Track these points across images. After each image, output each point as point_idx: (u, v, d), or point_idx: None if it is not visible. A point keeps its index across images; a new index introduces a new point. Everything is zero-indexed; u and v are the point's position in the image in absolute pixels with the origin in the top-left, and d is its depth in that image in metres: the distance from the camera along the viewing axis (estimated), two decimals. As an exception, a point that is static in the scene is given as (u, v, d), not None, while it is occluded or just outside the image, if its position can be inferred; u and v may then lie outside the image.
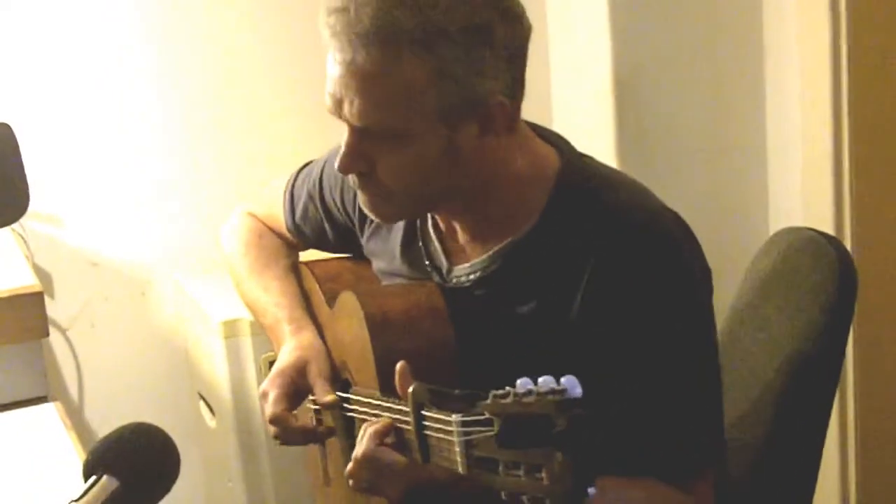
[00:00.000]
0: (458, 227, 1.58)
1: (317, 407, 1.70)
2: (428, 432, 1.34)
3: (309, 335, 1.72)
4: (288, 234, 1.85)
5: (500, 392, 1.15)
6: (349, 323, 1.60)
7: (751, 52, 2.54)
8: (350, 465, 1.47)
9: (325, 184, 1.76)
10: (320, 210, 1.78)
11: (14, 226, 2.53)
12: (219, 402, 2.64)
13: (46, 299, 2.23)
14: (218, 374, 2.58)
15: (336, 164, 1.50)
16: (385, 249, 1.68)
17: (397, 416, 1.43)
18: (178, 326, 2.89)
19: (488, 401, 1.16)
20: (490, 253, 1.54)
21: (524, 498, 1.13)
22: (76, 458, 1.73)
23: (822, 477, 1.75)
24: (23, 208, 2.35)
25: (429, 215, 1.61)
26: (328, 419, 1.70)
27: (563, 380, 1.11)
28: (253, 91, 2.89)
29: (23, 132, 2.37)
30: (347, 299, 1.62)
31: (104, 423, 2.78)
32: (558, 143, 1.57)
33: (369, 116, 1.43)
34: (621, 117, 2.53)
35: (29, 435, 1.90)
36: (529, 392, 1.12)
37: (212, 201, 2.85)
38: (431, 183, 1.48)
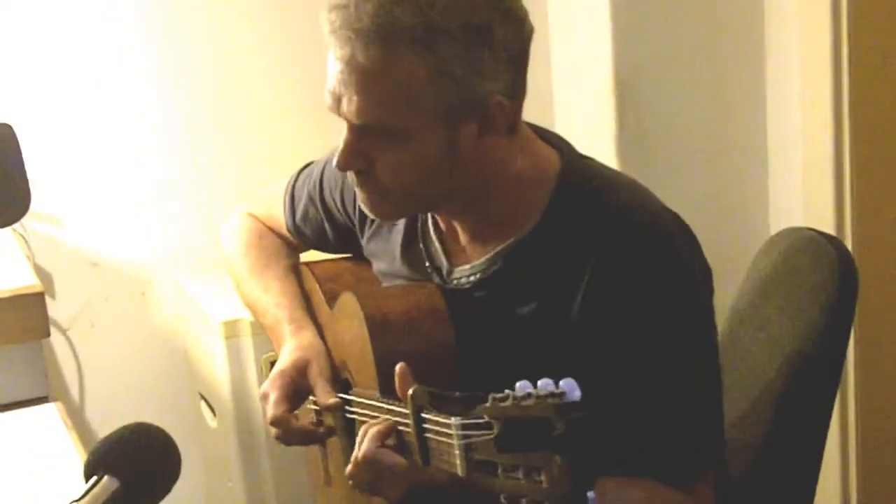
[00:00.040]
0: (458, 227, 1.57)
1: (318, 408, 1.70)
2: (428, 435, 1.34)
3: (309, 335, 1.72)
4: (288, 235, 1.85)
5: (500, 395, 1.15)
6: (349, 324, 1.60)
7: (751, 52, 2.54)
8: (350, 466, 1.47)
9: (325, 184, 1.76)
10: (321, 211, 1.78)
11: (15, 226, 2.54)
12: (219, 403, 2.64)
13: (47, 299, 2.23)
14: (218, 374, 2.58)
15: (334, 161, 1.50)
16: (385, 250, 1.68)
17: (397, 419, 1.43)
18: (178, 326, 2.89)
19: (487, 404, 1.16)
20: (490, 254, 1.54)
21: (524, 501, 1.13)
22: (77, 458, 1.73)
23: (823, 477, 1.74)
24: (24, 208, 2.35)
25: (429, 216, 1.61)
26: (329, 419, 1.70)
27: (561, 383, 1.11)
28: (253, 91, 2.89)
29: (23, 132, 2.37)
30: (347, 300, 1.62)
31: (105, 424, 2.78)
32: (559, 144, 1.57)
33: (368, 114, 1.43)
34: (621, 117, 2.53)
35: (30, 435, 1.90)
36: (528, 395, 1.12)
37: (212, 201, 2.85)
38: (430, 182, 1.48)
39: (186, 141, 2.87)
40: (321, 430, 1.69)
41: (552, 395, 1.10)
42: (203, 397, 2.78)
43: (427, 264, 1.61)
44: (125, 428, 1.21)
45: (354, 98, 1.43)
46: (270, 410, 1.65)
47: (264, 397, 1.67)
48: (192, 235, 2.87)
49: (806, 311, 1.67)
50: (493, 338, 1.51)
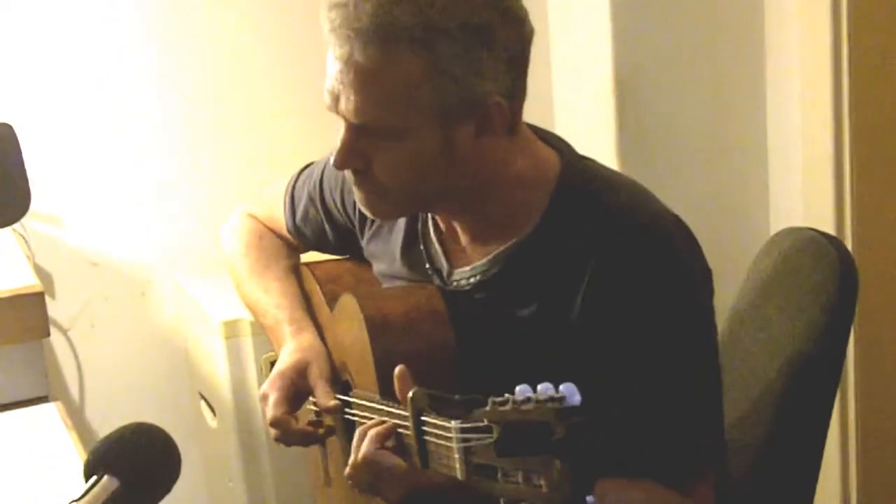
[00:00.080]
0: (458, 228, 1.57)
1: (317, 409, 1.70)
2: (427, 437, 1.34)
3: (309, 336, 1.72)
4: (288, 236, 1.85)
5: (499, 399, 1.15)
6: (349, 325, 1.60)
7: (751, 52, 2.54)
8: (350, 468, 1.47)
9: (325, 185, 1.76)
10: (321, 212, 1.78)
11: (15, 226, 2.54)
12: (219, 402, 2.64)
13: (47, 299, 2.23)
14: (218, 374, 2.58)
15: (332, 160, 1.50)
16: (385, 251, 1.68)
17: (397, 421, 1.43)
18: (178, 326, 2.89)
19: (487, 408, 1.16)
20: (491, 256, 1.54)
21: (523, 505, 1.13)
22: (77, 458, 1.73)
23: (823, 477, 1.74)
24: (24, 208, 2.35)
25: (430, 217, 1.61)
26: (328, 420, 1.70)
27: (561, 387, 1.11)
28: (253, 91, 2.89)
29: (24, 132, 2.37)
30: (347, 301, 1.61)
31: (105, 423, 2.78)
32: (559, 145, 1.57)
33: (366, 113, 1.43)
34: (621, 117, 2.53)
35: (30, 435, 1.90)
36: (528, 399, 1.12)
37: (212, 201, 2.85)
38: (427, 181, 1.48)
39: (186, 141, 2.87)
40: (320, 430, 1.69)
41: (552, 399, 1.10)
42: (203, 397, 2.78)
43: (427, 266, 1.61)
44: (125, 428, 1.21)
45: (352, 97, 1.43)
46: (270, 411, 1.65)
47: (264, 398, 1.66)
48: (192, 235, 2.87)
49: (806, 311, 1.67)
50: (493, 340, 1.51)
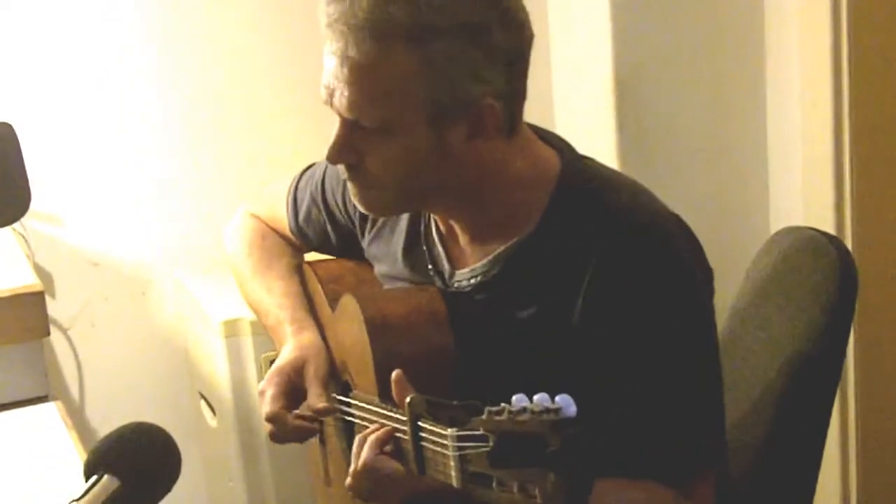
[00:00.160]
0: (457, 228, 1.57)
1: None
2: (424, 443, 1.34)
3: (310, 335, 1.72)
4: (291, 236, 1.85)
5: (495, 409, 1.14)
6: (350, 326, 1.60)
7: (751, 52, 2.54)
8: (350, 478, 1.47)
9: (327, 185, 1.76)
10: (323, 212, 1.78)
11: (15, 225, 2.53)
12: (219, 402, 2.64)
13: (47, 299, 2.23)
14: (218, 373, 2.58)
15: (325, 154, 1.50)
16: (387, 253, 1.68)
17: (395, 424, 1.43)
18: (178, 326, 2.89)
19: (483, 416, 1.16)
20: (491, 256, 1.53)
21: (518, 514, 1.13)
22: (77, 457, 1.73)
23: (823, 477, 1.74)
24: (24, 207, 2.35)
25: (432, 219, 1.61)
26: (328, 420, 1.70)
27: (558, 398, 1.11)
28: (253, 91, 2.89)
29: (24, 132, 2.37)
30: (348, 303, 1.61)
31: (105, 423, 2.78)
32: (559, 145, 1.56)
33: (359, 108, 1.44)
34: (621, 117, 2.53)
35: (29, 434, 1.90)
36: (524, 410, 1.11)
37: (212, 201, 2.85)
38: (420, 178, 1.48)
39: (186, 141, 2.87)
40: (315, 426, 1.68)
41: (547, 410, 1.10)
42: (203, 397, 2.78)
43: (429, 267, 1.61)
44: (125, 427, 1.21)
45: (346, 92, 1.43)
46: (267, 407, 1.64)
47: (261, 394, 1.66)
48: (193, 235, 2.87)
49: (806, 310, 1.67)
50: (494, 341, 1.51)
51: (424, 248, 1.62)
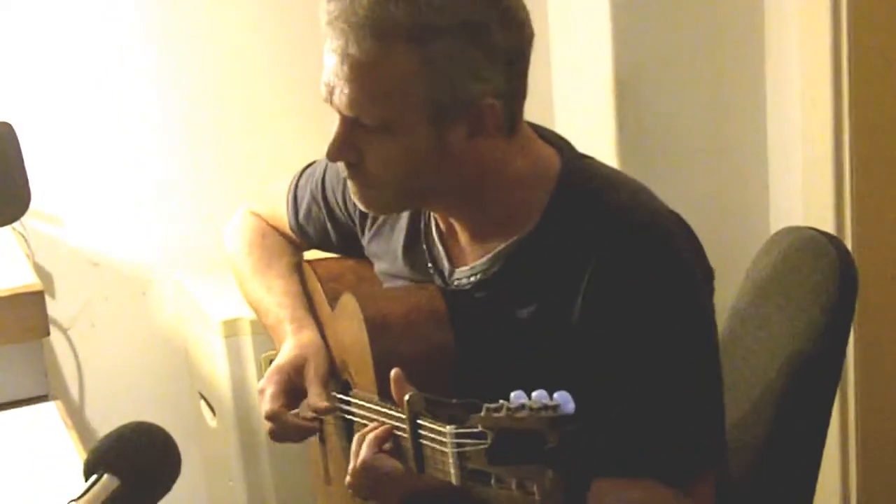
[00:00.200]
0: (457, 226, 1.57)
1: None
2: (423, 441, 1.34)
3: (310, 334, 1.72)
4: (291, 234, 1.85)
5: (493, 406, 1.14)
6: (349, 325, 1.60)
7: (751, 52, 2.54)
8: (350, 477, 1.47)
9: (327, 183, 1.76)
10: (323, 210, 1.78)
11: (15, 225, 2.53)
12: (219, 402, 2.64)
13: (47, 299, 2.23)
14: (218, 373, 2.58)
15: (325, 152, 1.50)
16: (387, 251, 1.68)
17: (394, 423, 1.43)
18: (178, 326, 2.89)
19: (481, 413, 1.16)
20: (491, 254, 1.53)
21: (517, 510, 1.13)
22: (77, 457, 1.73)
23: (823, 477, 1.74)
24: (24, 207, 2.35)
25: (432, 217, 1.61)
26: (328, 419, 1.70)
27: (556, 395, 1.11)
28: (253, 91, 2.89)
29: (24, 131, 2.37)
30: (348, 301, 1.61)
31: (105, 423, 2.78)
32: (559, 143, 1.56)
33: (359, 106, 1.44)
34: (621, 117, 2.53)
35: (29, 434, 1.90)
36: (522, 406, 1.11)
37: (212, 201, 2.85)
38: (419, 176, 1.48)
39: (186, 141, 2.87)
40: (315, 425, 1.68)
41: (546, 407, 1.10)
42: (203, 397, 2.78)
43: (429, 265, 1.61)
44: (125, 427, 1.21)
45: (346, 90, 1.43)
46: (266, 405, 1.64)
47: (261, 393, 1.66)
48: (193, 235, 2.87)
49: (806, 310, 1.67)
50: (493, 339, 1.51)
51: (424, 246, 1.62)
